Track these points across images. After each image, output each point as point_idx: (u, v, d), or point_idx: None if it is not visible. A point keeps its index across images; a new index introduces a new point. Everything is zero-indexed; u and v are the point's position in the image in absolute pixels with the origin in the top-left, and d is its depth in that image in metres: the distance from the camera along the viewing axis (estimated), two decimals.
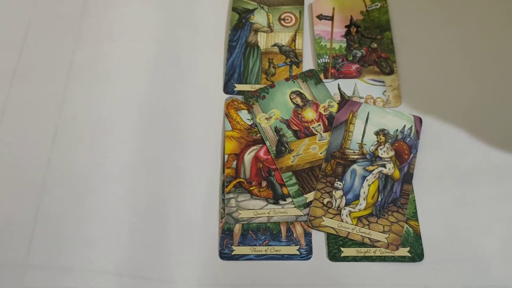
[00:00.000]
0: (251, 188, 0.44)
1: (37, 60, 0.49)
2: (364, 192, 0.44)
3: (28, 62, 0.49)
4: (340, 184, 0.44)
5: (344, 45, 0.51)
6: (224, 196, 0.44)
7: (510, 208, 0.43)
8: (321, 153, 0.45)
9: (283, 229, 0.43)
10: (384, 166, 0.45)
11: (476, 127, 0.47)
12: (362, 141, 0.46)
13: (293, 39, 0.52)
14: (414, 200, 0.44)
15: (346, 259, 0.42)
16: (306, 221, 0.43)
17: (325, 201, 0.43)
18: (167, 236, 0.42)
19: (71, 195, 0.43)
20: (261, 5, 0.54)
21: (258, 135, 0.47)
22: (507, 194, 0.44)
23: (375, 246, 0.42)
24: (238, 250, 0.42)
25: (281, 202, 0.44)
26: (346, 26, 0.52)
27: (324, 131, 0.47)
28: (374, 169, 0.45)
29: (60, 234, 0.41)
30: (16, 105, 0.47)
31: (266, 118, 0.47)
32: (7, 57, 0.49)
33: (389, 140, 0.46)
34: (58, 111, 0.47)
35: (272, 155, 0.46)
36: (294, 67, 0.51)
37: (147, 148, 0.45)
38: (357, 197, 0.44)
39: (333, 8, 0.53)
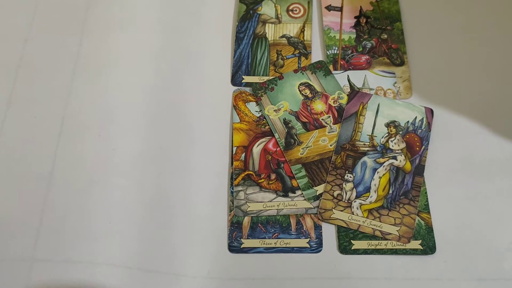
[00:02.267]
0: (260, 181, 0.44)
1: (43, 51, 0.49)
2: (375, 185, 0.43)
3: (34, 54, 0.49)
4: (350, 177, 0.43)
5: (353, 36, 0.51)
6: (232, 188, 0.44)
7: None
8: (331, 145, 0.45)
9: (292, 221, 0.43)
10: (395, 158, 0.44)
11: (488, 118, 0.46)
12: (372, 133, 0.45)
13: (302, 30, 0.51)
14: (426, 193, 0.43)
15: (357, 252, 0.41)
16: (316, 213, 0.43)
17: (335, 194, 0.43)
18: (175, 229, 0.42)
19: (78, 188, 0.42)
20: None
21: (267, 127, 0.46)
22: None
23: (387, 239, 0.41)
24: (247, 243, 0.42)
25: (291, 194, 0.43)
26: (355, 17, 0.52)
27: (334, 123, 0.46)
28: (385, 161, 0.44)
29: (67, 227, 0.41)
30: (22, 97, 0.47)
31: (275, 110, 0.47)
32: (13, 49, 0.49)
33: (400, 132, 0.45)
34: (65, 103, 0.46)
35: (281, 147, 0.45)
36: (302, 58, 0.50)
37: (155, 140, 0.45)
38: (367, 190, 0.43)
39: None
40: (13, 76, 0.47)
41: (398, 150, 0.44)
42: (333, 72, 0.49)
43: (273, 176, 0.44)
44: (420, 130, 0.45)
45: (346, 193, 0.43)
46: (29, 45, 0.49)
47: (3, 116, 0.46)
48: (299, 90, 0.48)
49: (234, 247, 0.42)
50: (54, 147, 0.44)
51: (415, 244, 0.41)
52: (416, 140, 0.45)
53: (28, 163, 0.44)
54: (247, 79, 0.49)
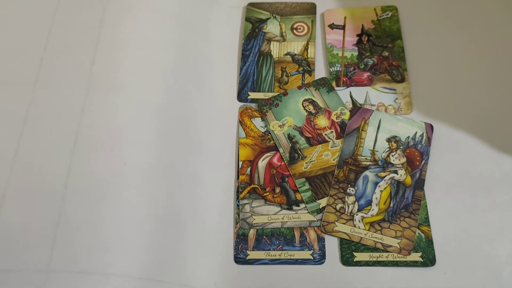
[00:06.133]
0: (265, 194, 0.46)
1: (58, 70, 0.50)
2: (376, 198, 0.44)
3: (49, 72, 0.50)
4: (352, 190, 0.45)
5: (355, 53, 0.52)
6: (238, 202, 0.45)
7: None
8: (333, 160, 0.46)
9: (296, 234, 0.44)
10: (396, 172, 0.45)
11: (487, 133, 0.47)
12: (374, 148, 0.47)
13: (306, 48, 0.53)
14: (426, 206, 0.44)
15: (359, 263, 0.42)
16: (319, 226, 0.44)
17: (338, 207, 0.44)
18: (184, 241, 0.43)
19: (92, 201, 0.44)
20: (274, 15, 0.55)
21: (272, 142, 0.48)
22: None
23: (388, 251, 0.43)
24: (252, 254, 0.43)
25: (295, 207, 0.45)
26: (357, 35, 0.53)
27: (337, 138, 0.47)
28: (386, 176, 0.45)
29: (81, 239, 0.42)
30: (38, 114, 0.48)
31: (279, 126, 0.49)
32: (29, 66, 0.51)
33: (401, 147, 0.47)
34: (78, 119, 0.48)
35: (285, 161, 0.47)
36: (306, 75, 0.52)
37: (164, 155, 0.46)
38: (369, 203, 0.44)
39: (345, 18, 0.54)
40: (30, 93, 0.49)
41: (399, 164, 0.46)
42: (336, 88, 0.50)
43: (277, 189, 0.46)
44: (420, 145, 0.47)
45: (348, 206, 0.44)
46: (44, 63, 0.51)
47: (20, 132, 0.47)
48: (303, 106, 0.49)
49: (240, 259, 0.43)
50: (69, 162, 0.46)
51: (416, 256, 0.42)
52: (416, 154, 0.46)
53: (43, 177, 0.45)
54: (252, 95, 0.51)
